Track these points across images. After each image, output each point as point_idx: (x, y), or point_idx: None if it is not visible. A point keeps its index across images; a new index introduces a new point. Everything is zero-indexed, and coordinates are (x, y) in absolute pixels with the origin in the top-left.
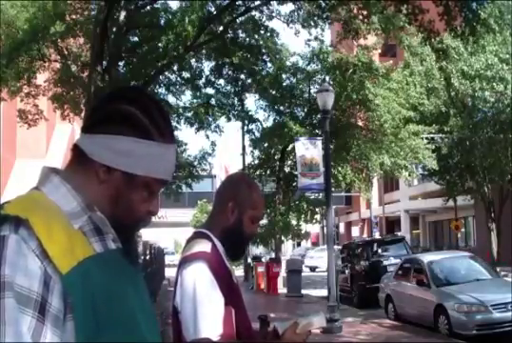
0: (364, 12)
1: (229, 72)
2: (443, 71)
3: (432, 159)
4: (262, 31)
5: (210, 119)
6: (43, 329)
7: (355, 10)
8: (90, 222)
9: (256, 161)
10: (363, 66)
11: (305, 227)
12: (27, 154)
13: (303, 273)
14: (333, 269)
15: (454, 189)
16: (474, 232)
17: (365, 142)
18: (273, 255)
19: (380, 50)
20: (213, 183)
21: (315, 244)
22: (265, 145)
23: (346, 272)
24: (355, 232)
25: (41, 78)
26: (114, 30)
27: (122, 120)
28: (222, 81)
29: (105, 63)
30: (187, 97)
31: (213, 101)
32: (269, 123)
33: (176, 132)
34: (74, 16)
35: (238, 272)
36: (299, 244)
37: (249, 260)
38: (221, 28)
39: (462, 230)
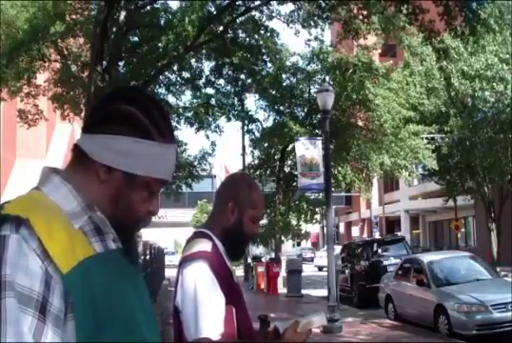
0: (364, 12)
1: (229, 72)
2: (443, 71)
3: (432, 159)
4: (262, 31)
5: (210, 119)
6: (44, 328)
7: (355, 10)
8: (91, 222)
9: (256, 161)
10: (363, 66)
11: (305, 227)
12: (27, 154)
13: (310, 273)
14: (333, 269)
15: (454, 189)
16: (474, 232)
17: (365, 142)
18: (273, 255)
19: (380, 50)
20: (213, 183)
21: (315, 244)
22: (266, 145)
23: (346, 272)
24: (355, 232)
25: (41, 78)
26: (114, 30)
27: (122, 120)
28: (222, 81)
29: (105, 63)
30: (187, 97)
31: (213, 101)
32: (269, 123)
33: (176, 132)
34: (74, 16)
35: (238, 272)
36: (299, 244)
37: (249, 260)
38: (221, 28)
39: (462, 230)
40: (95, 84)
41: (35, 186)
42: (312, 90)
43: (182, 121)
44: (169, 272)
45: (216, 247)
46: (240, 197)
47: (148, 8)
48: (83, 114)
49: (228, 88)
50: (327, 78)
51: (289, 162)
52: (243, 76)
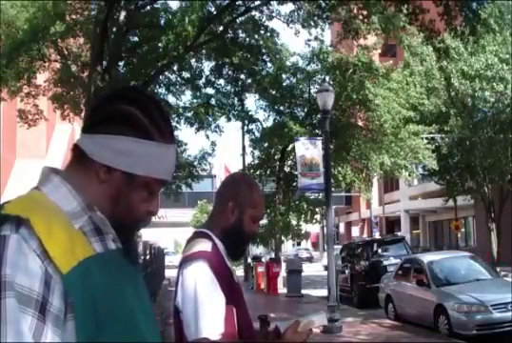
0: (364, 12)
1: (229, 72)
2: (443, 71)
3: (432, 159)
4: (262, 31)
5: (210, 119)
6: (44, 328)
7: (355, 10)
8: (91, 222)
9: (256, 161)
10: (363, 66)
11: (305, 227)
12: (27, 154)
13: (309, 273)
14: (333, 269)
15: (454, 189)
16: (474, 232)
17: (365, 142)
18: (273, 255)
19: (380, 50)
20: (213, 183)
21: (315, 244)
22: (266, 145)
23: (346, 272)
24: (355, 232)
25: (41, 78)
26: (114, 30)
27: (122, 120)
28: (222, 81)
29: (105, 63)
30: (187, 97)
31: (213, 101)
32: (269, 123)
33: (176, 132)
34: (74, 16)
35: (238, 272)
36: (299, 244)
37: (249, 260)
38: (221, 28)
39: (462, 230)
40: (95, 84)
41: (35, 186)
42: (312, 90)
43: (182, 121)
44: (169, 273)
45: (216, 247)
46: (240, 197)
47: (148, 8)
48: (83, 114)
49: (228, 88)
50: (327, 78)
51: (289, 162)
52: (243, 76)
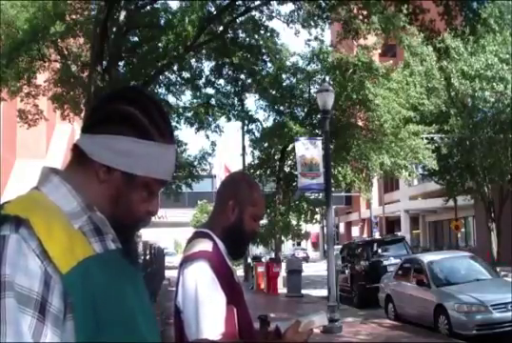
0: (364, 12)
1: (229, 72)
2: (443, 71)
3: (432, 159)
4: (262, 31)
5: (210, 119)
6: (43, 328)
7: (355, 10)
8: (90, 222)
9: (256, 161)
10: (363, 66)
11: (305, 227)
12: (27, 154)
13: (308, 273)
14: (333, 269)
15: (454, 189)
16: (474, 232)
17: (365, 142)
18: (273, 255)
19: (380, 50)
20: (213, 183)
21: (315, 244)
22: (266, 145)
23: (346, 272)
24: (355, 232)
25: (41, 78)
26: (114, 30)
27: (121, 120)
28: (222, 81)
29: (105, 63)
30: (187, 97)
31: (213, 101)
32: (269, 123)
33: (176, 132)
34: (74, 16)
35: (238, 272)
36: (299, 244)
37: (249, 260)
38: (221, 28)
39: (462, 230)
40: (95, 84)
41: (35, 186)
42: (312, 90)
43: (182, 121)
44: (169, 274)
45: (217, 246)
46: (240, 196)
47: (148, 8)
48: (83, 114)
49: (228, 88)
50: (327, 78)
51: (289, 162)
52: (243, 76)
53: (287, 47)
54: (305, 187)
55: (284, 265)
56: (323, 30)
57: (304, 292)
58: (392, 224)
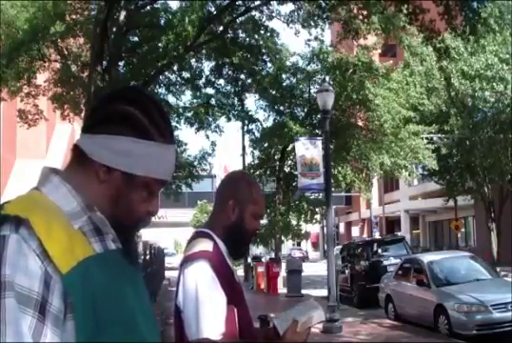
0: (364, 12)
1: (229, 72)
2: (443, 71)
3: (432, 159)
4: (262, 31)
5: (210, 119)
6: (43, 328)
7: (355, 10)
8: (90, 222)
9: (256, 161)
10: (363, 66)
11: (305, 227)
12: (27, 154)
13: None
14: (333, 269)
15: (454, 189)
16: (474, 232)
17: (365, 142)
18: (273, 255)
19: (380, 50)
20: (213, 183)
21: (315, 244)
22: (266, 145)
23: (346, 272)
24: (355, 232)
25: (41, 78)
26: (114, 30)
27: (121, 120)
28: (222, 81)
29: (105, 63)
30: (187, 97)
31: (213, 101)
32: (269, 123)
33: (176, 132)
34: (74, 16)
35: (238, 272)
36: (299, 244)
37: (249, 260)
38: (221, 28)
39: (462, 230)
40: (95, 84)
41: (35, 186)
42: (312, 90)
43: (182, 121)
44: (169, 275)
45: (217, 246)
46: (240, 195)
47: (148, 8)
48: (83, 114)
49: (228, 88)
50: (327, 78)
51: (289, 162)
52: (243, 76)
53: (287, 47)
54: (305, 187)
55: (284, 265)
56: (323, 30)
57: (304, 292)
58: (392, 224)
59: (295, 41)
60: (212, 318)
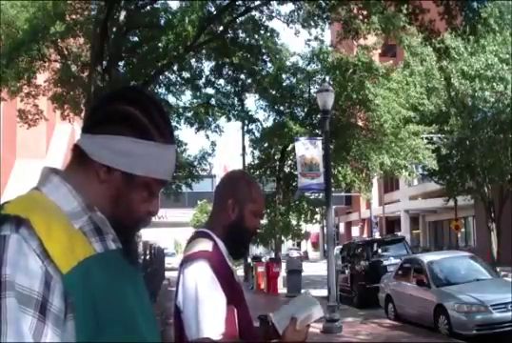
0: (364, 12)
1: (229, 72)
2: (443, 71)
3: (432, 159)
4: (262, 31)
5: (210, 119)
6: (44, 328)
7: (355, 10)
8: (91, 222)
9: (256, 161)
10: (363, 66)
11: (305, 227)
12: (27, 154)
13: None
14: (333, 269)
15: (454, 189)
16: (474, 232)
17: (365, 142)
18: (273, 255)
19: (380, 50)
20: (213, 183)
21: (315, 244)
22: (265, 145)
23: (346, 272)
24: (355, 232)
25: (41, 78)
26: (114, 30)
27: (121, 120)
28: (222, 81)
29: (105, 63)
30: (187, 97)
31: (213, 101)
32: (269, 123)
33: (176, 132)
34: (74, 16)
35: (238, 272)
36: (299, 244)
37: (249, 260)
38: (221, 28)
39: (462, 230)
40: (95, 84)
41: (35, 186)
42: (312, 90)
43: (182, 121)
44: (168, 275)
45: (217, 246)
46: (239, 193)
47: (148, 8)
48: (83, 114)
49: (228, 88)
50: (327, 78)
51: (289, 162)
52: (243, 76)
53: (287, 47)
54: (305, 187)
55: (284, 265)
56: (323, 30)
57: (304, 291)
58: (392, 224)
59: (295, 41)
60: (212, 318)
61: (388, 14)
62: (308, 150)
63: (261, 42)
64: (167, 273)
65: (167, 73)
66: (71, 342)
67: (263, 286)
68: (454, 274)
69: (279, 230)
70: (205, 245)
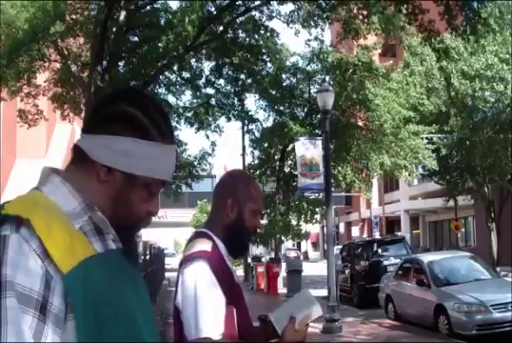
0: (364, 12)
1: (229, 72)
2: (443, 71)
3: (432, 159)
4: (262, 31)
5: (210, 119)
6: (44, 328)
7: (355, 10)
8: (91, 222)
9: (256, 161)
10: (363, 66)
11: (304, 227)
12: (27, 154)
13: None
14: (333, 269)
15: (454, 189)
16: (474, 232)
17: (365, 142)
18: (273, 255)
19: (380, 50)
20: (213, 183)
21: (315, 244)
22: (265, 145)
23: (346, 272)
24: (355, 232)
25: (41, 78)
26: (114, 30)
27: (121, 120)
28: (222, 81)
29: (105, 63)
30: (187, 97)
31: (213, 101)
32: (269, 123)
33: (176, 132)
34: (74, 16)
35: (238, 272)
36: (299, 244)
37: (249, 260)
38: (221, 28)
39: (462, 230)
40: (95, 84)
41: (35, 186)
42: (312, 90)
43: (182, 121)
44: (168, 276)
45: (216, 246)
46: (238, 193)
47: (148, 8)
48: (83, 114)
49: (228, 88)
50: (327, 78)
51: (289, 162)
52: (243, 76)
53: (287, 47)
54: (305, 187)
55: (284, 265)
56: (323, 30)
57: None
58: (392, 224)
59: (295, 41)
60: (211, 318)
61: (388, 14)
62: (308, 150)
63: (261, 42)
64: (167, 274)
65: (167, 73)
66: (72, 342)
67: (263, 286)
68: (454, 274)
69: (279, 230)
70: (204, 245)
